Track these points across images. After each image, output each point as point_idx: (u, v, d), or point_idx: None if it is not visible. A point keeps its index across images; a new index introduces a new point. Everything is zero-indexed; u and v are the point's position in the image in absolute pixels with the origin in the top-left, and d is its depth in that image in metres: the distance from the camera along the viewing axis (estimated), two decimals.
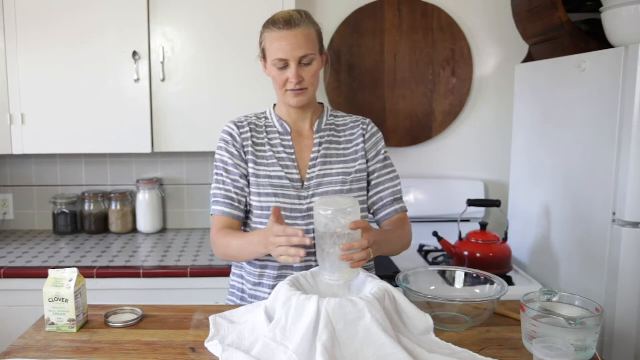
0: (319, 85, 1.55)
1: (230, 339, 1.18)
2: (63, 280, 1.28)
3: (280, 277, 1.50)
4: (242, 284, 1.60)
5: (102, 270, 2.05)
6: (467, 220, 2.44)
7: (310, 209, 1.49)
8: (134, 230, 2.60)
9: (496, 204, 2.23)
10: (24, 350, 1.19)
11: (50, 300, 1.27)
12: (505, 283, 1.34)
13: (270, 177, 1.52)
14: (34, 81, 2.23)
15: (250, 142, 1.55)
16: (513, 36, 2.54)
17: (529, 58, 2.45)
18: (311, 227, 1.48)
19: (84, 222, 2.57)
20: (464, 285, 1.43)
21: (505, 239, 2.19)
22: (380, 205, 1.58)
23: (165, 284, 2.07)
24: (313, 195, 1.51)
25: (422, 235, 2.50)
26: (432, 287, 1.42)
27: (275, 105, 1.62)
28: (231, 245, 1.47)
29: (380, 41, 2.55)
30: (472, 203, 2.25)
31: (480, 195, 2.57)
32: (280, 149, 1.55)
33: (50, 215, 2.58)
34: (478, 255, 2.12)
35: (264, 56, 1.52)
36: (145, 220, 2.56)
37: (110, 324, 1.32)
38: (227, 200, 1.53)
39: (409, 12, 2.54)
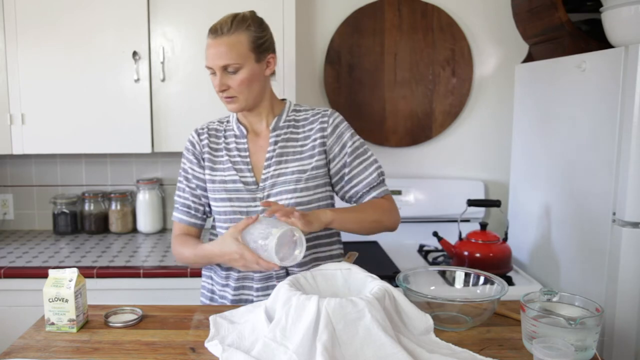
0: (257, 91, 1.50)
1: (230, 339, 1.18)
2: (63, 280, 1.28)
3: (242, 279, 1.54)
4: (212, 284, 1.62)
5: (102, 270, 2.05)
6: (467, 220, 2.44)
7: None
8: (134, 230, 2.60)
9: (496, 204, 2.23)
10: (24, 350, 1.19)
11: (50, 300, 1.27)
12: (505, 283, 1.34)
13: (225, 181, 1.54)
14: (34, 81, 2.23)
15: (207, 149, 1.59)
16: (513, 36, 2.54)
17: (529, 58, 2.45)
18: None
19: (84, 222, 2.57)
20: (464, 285, 1.43)
21: (505, 239, 2.19)
22: (358, 197, 1.57)
23: (165, 284, 2.07)
24: (268, 196, 1.51)
25: (422, 235, 2.50)
26: (432, 287, 1.42)
27: None
28: (184, 255, 1.55)
29: (380, 41, 2.55)
30: (472, 203, 2.24)
31: (480, 195, 2.57)
32: (235, 152, 1.56)
33: (50, 215, 2.58)
34: (478, 255, 2.12)
35: None
36: (145, 220, 2.56)
37: (110, 324, 1.32)
38: (184, 209, 1.60)
39: (409, 12, 2.54)
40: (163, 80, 2.26)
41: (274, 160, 1.53)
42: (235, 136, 1.59)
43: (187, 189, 1.61)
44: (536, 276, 2.20)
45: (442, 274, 1.50)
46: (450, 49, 2.56)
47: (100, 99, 2.25)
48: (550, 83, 2.12)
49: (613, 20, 1.82)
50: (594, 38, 2.04)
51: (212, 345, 1.18)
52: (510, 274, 2.17)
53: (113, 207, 2.56)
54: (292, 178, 1.51)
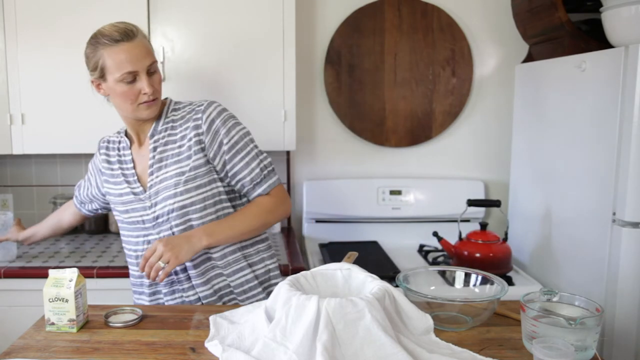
0: None
1: (230, 339, 1.18)
2: (63, 280, 1.28)
3: (154, 284, 1.58)
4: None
5: (102, 270, 2.05)
6: (467, 220, 2.44)
7: (158, 217, 1.51)
8: None
9: (496, 204, 2.23)
10: (24, 350, 1.19)
11: (50, 300, 1.27)
12: (505, 283, 1.34)
13: (121, 194, 1.58)
14: (34, 81, 2.23)
15: (104, 164, 1.64)
16: (513, 36, 2.54)
17: (529, 58, 2.45)
18: (162, 234, 1.52)
19: (84, 222, 2.56)
20: (464, 285, 1.43)
21: (505, 239, 2.19)
22: (244, 191, 1.56)
23: None
24: (155, 204, 1.52)
25: (422, 235, 2.50)
26: (432, 287, 1.42)
27: None
28: None
29: (380, 41, 2.55)
30: (472, 203, 2.25)
31: (480, 195, 2.57)
32: (124, 165, 1.60)
33: None
34: (478, 255, 2.12)
35: (101, 76, 1.49)
36: None
37: (110, 324, 1.32)
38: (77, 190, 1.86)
39: (409, 12, 2.54)
40: (163, 80, 2.25)
41: (155, 166, 1.53)
42: (123, 148, 1.62)
43: (85, 183, 1.82)
44: (536, 276, 2.20)
45: (442, 274, 1.50)
46: (450, 49, 2.56)
47: (101, 98, 2.24)
48: (550, 83, 2.12)
49: (613, 20, 1.82)
50: (594, 38, 2.04)
51: (212, 345, 1.18)
52: (510, 274, 2.17)
53: None
54: (171, 182, 1.50)
